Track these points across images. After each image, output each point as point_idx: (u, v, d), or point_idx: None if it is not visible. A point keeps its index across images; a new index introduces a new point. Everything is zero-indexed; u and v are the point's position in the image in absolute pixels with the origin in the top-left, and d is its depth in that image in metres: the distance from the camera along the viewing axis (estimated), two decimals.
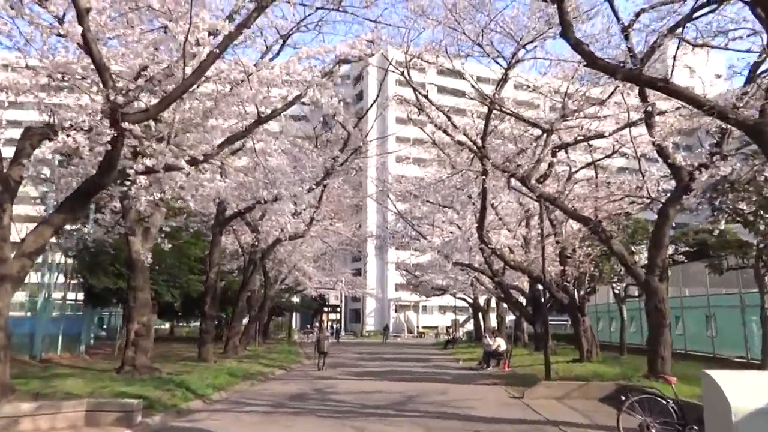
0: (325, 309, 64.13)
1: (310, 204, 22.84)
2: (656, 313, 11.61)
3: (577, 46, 7.96)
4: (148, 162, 8.18)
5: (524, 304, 24.84)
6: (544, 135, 13.05)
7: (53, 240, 15.76)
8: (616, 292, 19.23)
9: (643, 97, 11.40)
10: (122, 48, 8.37)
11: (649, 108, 11.14)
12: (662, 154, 11.75)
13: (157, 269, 18.35)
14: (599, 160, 16.16)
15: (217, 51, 7.85)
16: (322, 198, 21.99)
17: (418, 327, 65.83)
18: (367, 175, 30.78)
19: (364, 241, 40.59)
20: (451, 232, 24.72)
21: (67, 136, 8.01)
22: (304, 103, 16.79)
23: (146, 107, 8.17)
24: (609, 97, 13.02)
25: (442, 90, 14.78)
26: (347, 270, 46.33)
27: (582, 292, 17.01)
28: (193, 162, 9.37)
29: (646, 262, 14.43)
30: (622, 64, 8.38)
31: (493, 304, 37.04)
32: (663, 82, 7.66)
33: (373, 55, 10.91)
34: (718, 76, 16.07)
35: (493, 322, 35.14)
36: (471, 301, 40.39)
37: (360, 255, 49.99)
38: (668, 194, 13.94)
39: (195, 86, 10.11)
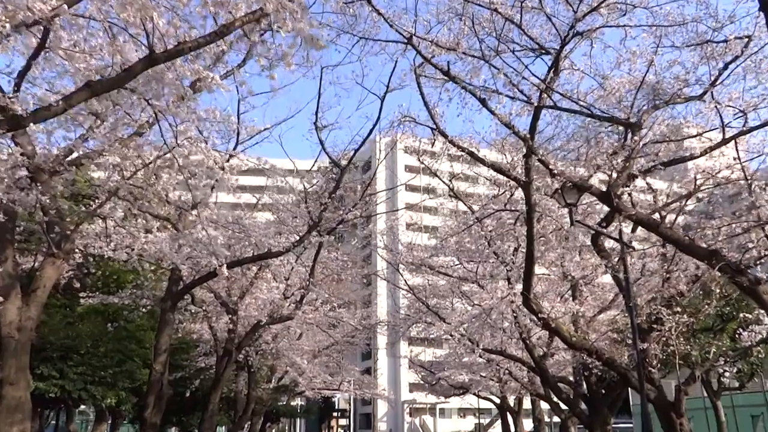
0: (334, 414, 57.72)
1: (301, 278, 18.48)
2: None
3: None
4: None
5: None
6: (625, 137, 8.78)
7: None
8: (722, 380, 14.11)
9: None
10: None
11: None
12: None
13: (73, 358, 13.56)
14: (686, 196, 11.56)
15: None
16: (315, 269, 17.52)
17: None
18: (375, 246, 26.51)
19: (373, 332, 35.70)
20: (474, 318, 20.10)
21: None
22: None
23: None
24: (715, 81, 8.78)
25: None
26: (356, 368, 40.91)
27: (677, 383, 11.96)
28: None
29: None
30: None
31: (526, 404, 31.29)
32: None
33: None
34: None
35: (528, 426, 29.42)
36: (498, 401, 34.44)
37: (370, 349, 44.71)
38: None
39: None
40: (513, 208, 11.90)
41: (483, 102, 8.33)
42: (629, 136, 8.58)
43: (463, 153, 11.34)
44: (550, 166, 8.26)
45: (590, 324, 16.16)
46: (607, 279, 19.34)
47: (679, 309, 11.26)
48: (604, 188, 9.21)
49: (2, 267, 8.73)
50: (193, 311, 18.74)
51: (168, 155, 9.37)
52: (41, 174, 9.26)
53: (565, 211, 12.03)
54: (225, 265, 8.59)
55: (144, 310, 15.56)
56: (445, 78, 10.22)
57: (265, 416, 36.28)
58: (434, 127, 11.31)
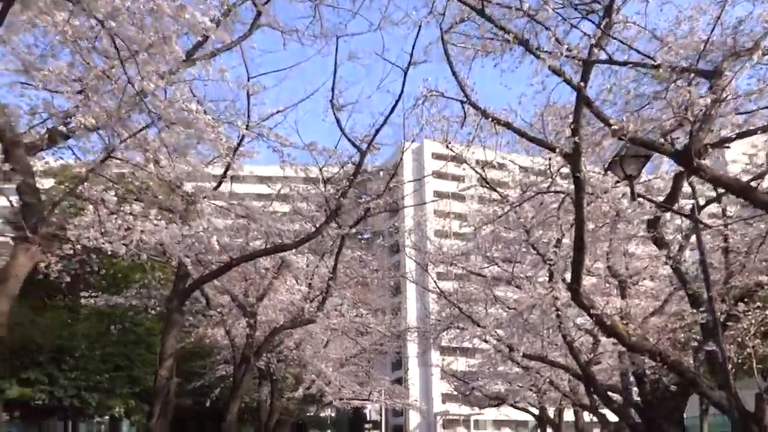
0: (366, 426, 56.24)
1: (323, 279, 17.17)
2: None
3: None
4: None
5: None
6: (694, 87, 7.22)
7: None
8: None
9: None
10: None
11: None
12: None
13: (66, 361, 12.38)
14: None
15: None
16: (338, 267, 16.13)
17: None
18: (402, 245, 25.16)
19: (403, 340, 34.27)
20: (511, 320, 18.55)
21: None
22: None
23: None
24: None
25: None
26: (386, 378, 39.41)
27: (758, 390, 10.20)
28: None
29: None
30: None
31: (568, 416, 29.39)
32: None
33: None
34: None
35: None
36: (536, 412, 32.47)
37: (400, 358, 43.20)
38: None
39: None
40: (557, 190, 10.39)
41: (526, 44, 6.90)
42: (706, 88, 7.02)
43: (497, 129, 9.95)
44: (611, 121, 6.77)
45: (643, 325, 14.48)
46: (649, 284, 17.58)
47: (759, 304, 9.57)
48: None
49: None
50: (210, 315, 17.64)
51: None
52: (16, 148, 8.17)
53: (618, 192, 10.49)
54: (216, 237, 7.28)
55: (153, 312, 14.40)
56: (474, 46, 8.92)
57: (293, 428, 35.06)
58: (464, 100, 9.94)
